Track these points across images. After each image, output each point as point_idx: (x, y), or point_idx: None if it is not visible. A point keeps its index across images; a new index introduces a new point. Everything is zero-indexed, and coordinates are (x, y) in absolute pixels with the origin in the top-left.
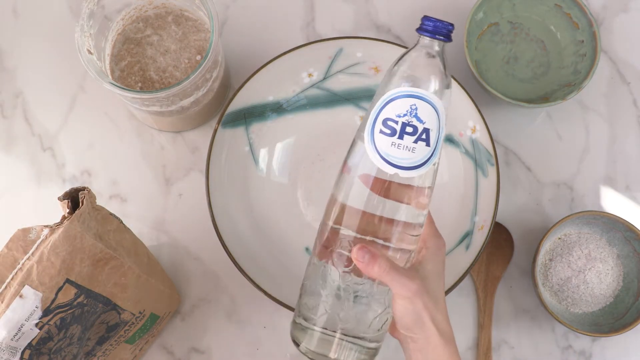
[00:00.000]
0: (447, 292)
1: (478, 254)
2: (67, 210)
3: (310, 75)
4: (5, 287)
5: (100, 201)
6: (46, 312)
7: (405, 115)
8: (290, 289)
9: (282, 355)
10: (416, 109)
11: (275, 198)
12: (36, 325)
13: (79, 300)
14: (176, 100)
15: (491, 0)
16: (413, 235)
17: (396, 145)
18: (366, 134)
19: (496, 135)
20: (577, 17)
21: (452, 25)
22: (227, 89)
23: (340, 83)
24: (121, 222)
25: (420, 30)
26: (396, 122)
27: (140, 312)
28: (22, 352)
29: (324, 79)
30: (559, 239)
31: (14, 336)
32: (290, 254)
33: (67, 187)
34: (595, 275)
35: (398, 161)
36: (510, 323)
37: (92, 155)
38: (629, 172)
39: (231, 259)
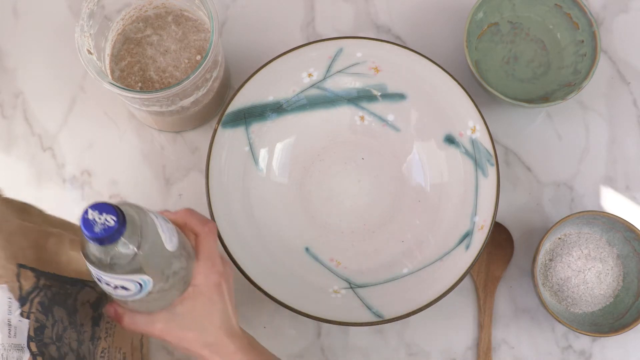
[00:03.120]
0: (447, 292)
1: (478, 254)
2: None
3: (310, 75)
4: None
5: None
6: (22, 301)
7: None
8: (290, 289)
9: (282, 355)
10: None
11: (275, 198)
12: (21, 315)
13: (42, 282)
14: (176, 100)
15: (491, 0)
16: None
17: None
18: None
19: (496, 135)
20: (577, 17)
21: (113, 226)
22: (227, 89)
23: (340, 83)
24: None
25: (82, 226)
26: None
27: None
28: (28, 346)
29: (324, 79)
30: (559, 239)
31: (9, 332)
32: (290, 254)
33: (67, 187)
34: (595, 275)
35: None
36: (510, 323)
37: (92, 155)
38: (629, 172)
39: (231, 259)
